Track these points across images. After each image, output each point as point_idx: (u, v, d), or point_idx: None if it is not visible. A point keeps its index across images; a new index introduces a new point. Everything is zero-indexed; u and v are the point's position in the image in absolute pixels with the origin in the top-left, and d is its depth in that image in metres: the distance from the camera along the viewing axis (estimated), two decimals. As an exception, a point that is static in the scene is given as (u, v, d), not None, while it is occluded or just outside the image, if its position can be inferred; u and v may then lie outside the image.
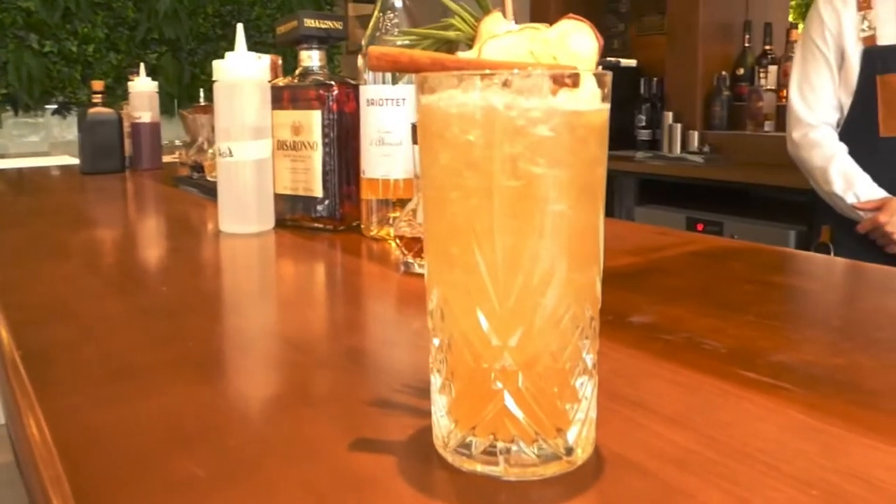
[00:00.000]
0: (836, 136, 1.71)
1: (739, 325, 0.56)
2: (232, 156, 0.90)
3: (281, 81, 0.94)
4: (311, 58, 0.93)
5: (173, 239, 1.00)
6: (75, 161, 2.00)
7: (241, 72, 0.88)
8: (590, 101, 0.30)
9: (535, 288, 0.30)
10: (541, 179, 0.30)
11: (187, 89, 3.00)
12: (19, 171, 1.88)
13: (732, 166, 2.51)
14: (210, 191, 1.24)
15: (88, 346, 0.53)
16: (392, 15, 0.83)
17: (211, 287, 0.74)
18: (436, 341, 0.34)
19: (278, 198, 0.95)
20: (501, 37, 0.33)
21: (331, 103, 0.89)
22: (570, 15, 0.34)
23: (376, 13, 0.84)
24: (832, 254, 1.74)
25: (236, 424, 0.39)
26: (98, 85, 1.72)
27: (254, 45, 2.95)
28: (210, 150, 1.38)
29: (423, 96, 0.32)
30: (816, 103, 1.73)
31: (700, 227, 2.40)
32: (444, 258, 0.33)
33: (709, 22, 2.73)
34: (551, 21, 0.33)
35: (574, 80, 0.30)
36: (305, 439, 0.37)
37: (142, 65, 1.77)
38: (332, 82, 0.90)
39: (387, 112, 0.84)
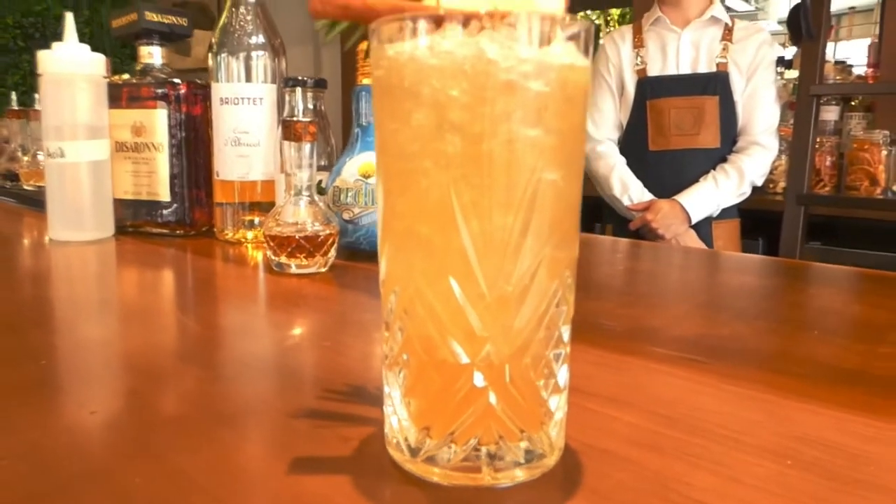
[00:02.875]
0: (616, 149, 1.82)
1: (623, 306, 0.54)
2: (64, 156, 0.73)
3: (118, 79, 0.78)
4: (153, 54, 0.78)
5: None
6: None
7: (74, 64, 0.72)
8: (571, 53, 0.24)
9: (526, 270, 0.24)
10: (533, 143, 0.23)
11: (-14, 101, 2.55)
12: None
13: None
14: (29, 199, 1.02)
15: None
16: (244, 10, 0.72)
17: (51, 298, 0.58)
18: (396, 337, 0.26)
19: (118, 203, 0.79)
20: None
21: (178, 103, 0.76)
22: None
23: (227, 8, 0.73)
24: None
25: (136, 459, 0.28)
26: None
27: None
28: (26, 157, 1.14)
29: (388, 46, 0.24)
30: (602, 123, 1.84)
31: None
32: (410, 242, 0.25)
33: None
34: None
35: (566, 26, 0.24)
36: (233, 468, 0.27)
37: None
38: (178, 80, 0.77)
39: (243, 111, 0.73)
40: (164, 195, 0.78)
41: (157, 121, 0.76)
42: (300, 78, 0.74)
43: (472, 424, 0.25)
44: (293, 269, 0.60)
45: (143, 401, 0.35)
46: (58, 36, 0.74)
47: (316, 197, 0.62)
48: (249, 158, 0.73)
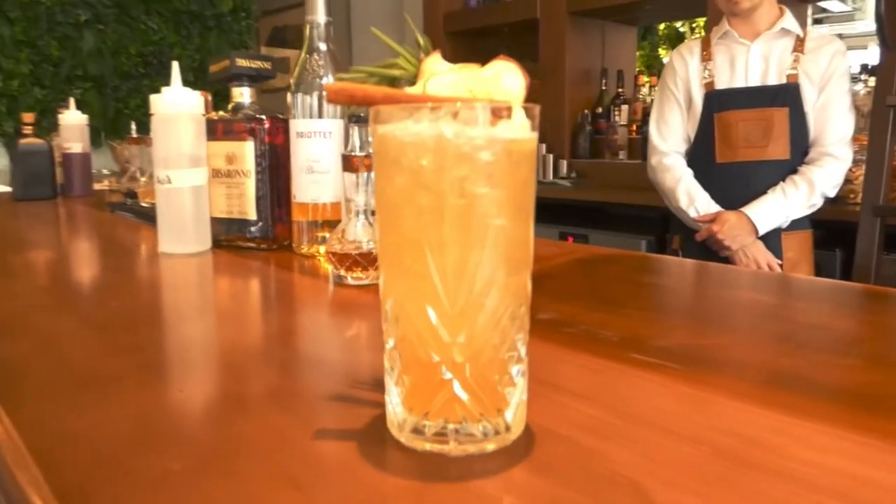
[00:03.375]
0: (684, 162, 1.82)
1: (623, 318, 0.59)
2: (171, 183, 0.86)
3: (215, 115, 0.91)
4: (243, 94, 0.90)
5: (116, 259, 0.94)
6: (7, 189, 1.85)
7: (179, 105, 0.85)
8: (522, 130, 0.32)
9: (479, 291, 0.31)
10: (484, 198, 0.31)
11: (112, 123, 2.84)
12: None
13: (594, 188, 2.64)
14: (145, 215, 1.18)
15: (48, 358, 0.49)
16: (317, 56, 0.83)
17: (159, 302, 0.70)
18: (390, 341, 0.34)
19: (214, 220, 0.91)
20: (443, 74, 0.34)
21: (263, 135, 0.87)
22: (502, 56, 0.35)
23: (303, 55, 0.83)
24: (681, 257, 1.86)
25: (205, 423, 0.38)
26: (29, 117, 1.59)
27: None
28: (143, 178, 1.31)
29: (378, 126, 0.32)
30: (669, 136, 1.85)
31: (570, 238, 2.50)
32: (398, 268, 0.33)
33: (573, 69, 2.85)
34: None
35: (509, 112, 0.31)
36: (273, 432, 0.36)
37: (71, 100, 1.67)
38: (264, 116, 0.88)
39: (315, 143, 0.83)
40: (252, 214, 0.89)
41: (247, 151, 0.88)
42: (361, 115, 0.83)
43: (441, 407, 0.32)
44: (349, 281, 0.69)
45: (212, 383, 0.44)
46: (169, 64, 0.87)
47: (371, 219, 0.71)
48: (321, 184, 0.83)
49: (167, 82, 0.86)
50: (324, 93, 0.83)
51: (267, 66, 0.90)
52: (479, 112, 0.30)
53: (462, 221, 0.31)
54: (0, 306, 0.64)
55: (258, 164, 0.88)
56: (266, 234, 0.90)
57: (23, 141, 1.54)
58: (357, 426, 0.37)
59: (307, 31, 0.82)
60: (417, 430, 0.33)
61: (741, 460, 0.32)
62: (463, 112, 0.30)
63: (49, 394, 0.42)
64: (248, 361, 0.49)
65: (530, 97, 0.34)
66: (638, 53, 3.41)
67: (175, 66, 0.86)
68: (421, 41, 0.36)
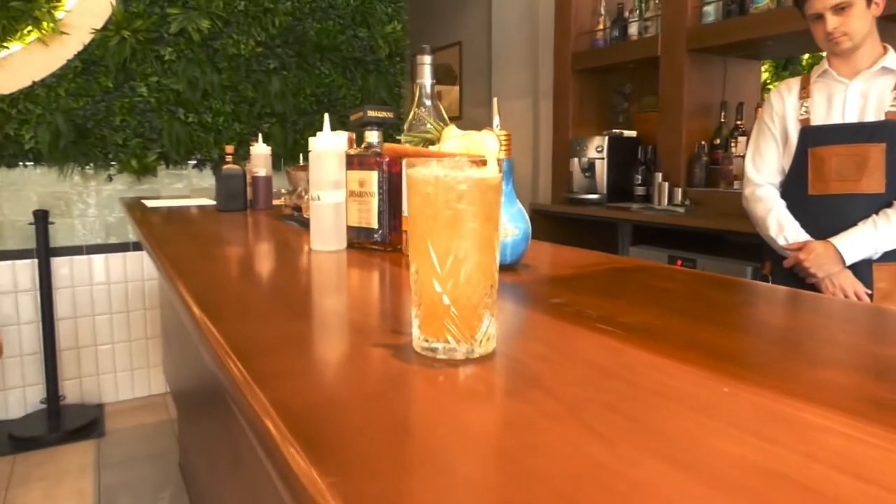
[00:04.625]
0: (776, 193, 1.86)
1: (611, 304, 0.76)
2: (320, 200, 1.14)
3: (352, 152, 1.18)
4: (372, 136, 1.17)
5: (283, 253, 1.24)
6: (212, 202, 2.31)
7: (327, 146, 1.13)
8: (490, 172, 0.52)
9: (459, 263, 0.52)
10: (463, 211, 0.52)
11: (290, 151, 3.31)
12: (169, 208, 2.18)
13: (706, 216, 2.66)
14: (305, 224, 1.49)
15: (245, 308, 0.76)
16: (423, 110, 1.07)
17: (309, 281, 0.98)
18: (414, 291, 0.56)
19: (349, 228, 1.19)
20: (452, 139, 0.56)
21: (384, 167, 1.13)
22: (488, 128, 0.56)
23: (414, 109, 1.08)
24: (770, 282, 1.88)
25: (313, 334, 0.62)
26: (230, 148, 2.01)
27: (339, 118, 3.23)
28: (306, 197, 1.64)
29: (409, 169, 0.54)
30: (764, 168, 1.89)
31: (679, 262, 2.55)
32: (416, 248, 0.55)
33: (692, 101, 2.90)
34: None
35: (483, 163, 0.52)
36: (352, 355, 0.59)
37: (259, 134, 2.07)
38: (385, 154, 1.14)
39: (420, 173, 1.07)
40: (375, 224, 1.15)
41: (373, 178, 1.14)
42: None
43: (437, 330, 0.54)
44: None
45: (350, 340, 0.69)
46: (338, 103, 1.15)
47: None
48: (423, 202, 1.07)
49: (335, 119, 1.14)
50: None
51: (390, 115, 1.16)
52: (461, 163, 0.51)
53: (450, 223, 0.52)
54: (206, 278, 0.94)
55: (380, 188, 1.14)
56: (385, 239, 1.15)
57: (225, 167, 1.95)
58: (399, 342, 0.59)
59: (416, 91, 1.07)
60: (426, 343, 0.54)
61: (622, 378, 0.50)
62: (451, 163, 0.51)
63: (264, 322, 0.68)
64: (368, 322, 0.73)
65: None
66: (766, 85, 3.35)
67: (326, 117, 1.14)
68: (445, 116, 0.58)
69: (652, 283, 0.93)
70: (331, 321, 0.72)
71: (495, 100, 0.83)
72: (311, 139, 1.13)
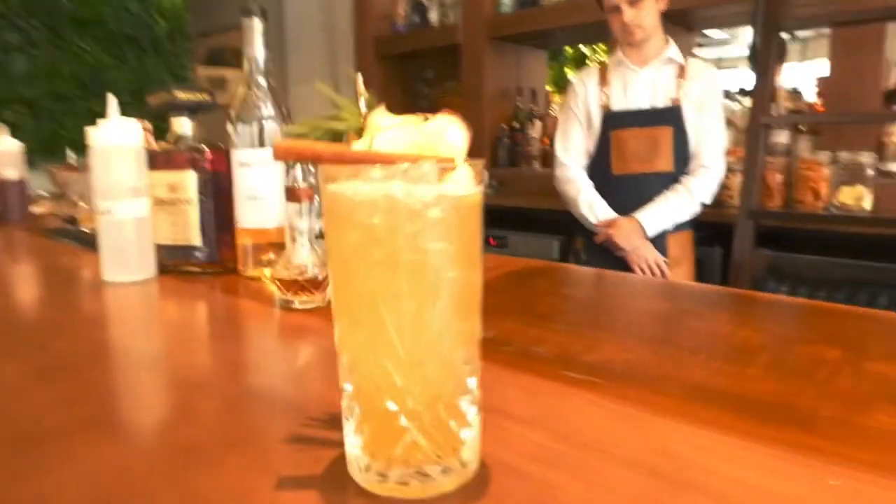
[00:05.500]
0: (584, 174, 1.88)
1: (555, 333, 0.59)
2: (112, 214, 0.79)
3: (157, 147, 0.84)
4: (183, 125, 0.84)
5: (58, 290, 0.85)
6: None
7: (116, 138, 0.78)
8: (468, 185, 0.30)
9: (433, 340, 0.29)
10: (437, 252, 0.29)
11: (47, 144, 2.64)
12: None
13: (514, 194, 2.67)
14: (86, 241, 1.09)
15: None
16: (257, 91, 0.78)
17: (105, 339, 0.64)
18: (348, 387, 0.32)
19: (158, 247, 0.85)
20: (389, 129, 0.32)
21: (205, 165, 0.82)
22: (445, 110, 0.33)
23: (243, 89, 0.79)
24: (583, 256, 1.91)
25: (163, 481, 0.34)
26: (-42, 144, 1.44)
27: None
28: (81, 205, 1.21)
29: (328, 185, 0.29)
30: (572, 150, 1.90)
31: (492, 241, 2.52)
32: (352, 321, 0.30)
33: (492, 87, 2.89)
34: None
35: (449, 168, 0.29)
36: (232, 486, 0.33)
37: (5, 127, 1.52)
38: (204, 147, 0.83)
39: (257, 172, 0.79)
40: (196, 240, 0.84)
41: (188, 181, 0.82)
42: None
43: (402, 453, 0.30)
44: (297, 305, 0.66)
45: (167, 432, 0.40)
46: (105, 86, 0.79)
47: (314, 244, 0.67)
48: (264, 210, 0.79)
49: (105, 104, 0.78)
50: (263, 123, 0.79)
51: (206, 97, 0.84)
52: (426, 170, 0.28)
53: (416, 275, 0.29)
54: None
55: (202, 192, 0.82)
56: (212, 258, 0.84)
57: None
58: (317, 471, 0.34)
59: (246, 66, 0.78)
60: (380, 475, 0.31)
61: (673, 480, 0.32)
62: (411, 171, 0.28)
63: (-10, 455, 0.36)
64: (200, 403, 0.45)
65: (453, 113, 0.32)
66: (549, 73, 3.49)
67: (111, 98, 0.79)
68: (365, 95, 0.34)
69: (569, 293, 0.78)
70: (169, 429, 0.43)
71: (359, 75, 0.56)
72: (89, 131, 0.77)
